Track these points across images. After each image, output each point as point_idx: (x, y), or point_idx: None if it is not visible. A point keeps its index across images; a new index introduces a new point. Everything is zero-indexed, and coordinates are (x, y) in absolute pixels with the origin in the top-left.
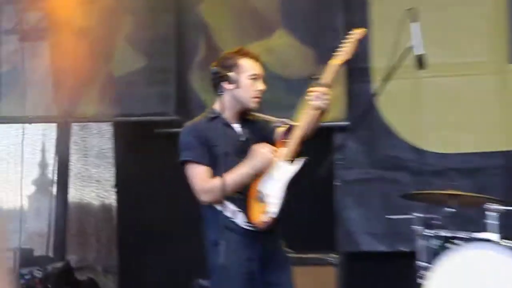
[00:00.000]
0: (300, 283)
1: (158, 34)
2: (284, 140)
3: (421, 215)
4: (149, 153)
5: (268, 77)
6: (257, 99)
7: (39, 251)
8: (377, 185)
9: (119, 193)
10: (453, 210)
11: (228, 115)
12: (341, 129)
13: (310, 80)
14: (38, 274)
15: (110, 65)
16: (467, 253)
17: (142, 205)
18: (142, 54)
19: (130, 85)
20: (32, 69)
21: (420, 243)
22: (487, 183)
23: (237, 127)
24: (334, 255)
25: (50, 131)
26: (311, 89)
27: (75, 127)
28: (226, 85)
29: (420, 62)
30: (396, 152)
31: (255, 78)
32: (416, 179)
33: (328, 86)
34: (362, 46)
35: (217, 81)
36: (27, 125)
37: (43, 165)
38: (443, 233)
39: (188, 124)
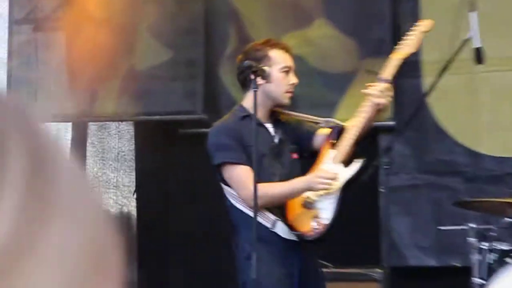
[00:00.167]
0: None
1: (184, 24)
2: (332, 141)
3: (476, 226)
4: (173, 156)
5: (306, 71)
6: (290, 94)
7: None
8: (426, 192)
9: (140, 200)
10: None
11: (259, 113)
12: (387, 129)
13: (368, 74)
14: None
15: (131, 58)
16: None
17: (165, 213)
18: (166, 46)
19: (153, 81)
20: (46, 62)
21: (475, 257)
22: None
23: (269, 127)
24: (378, 270)
25: (65, 131)
26: (371, 84)
27: (92, 127)
28: (258, 81)
29: (478, 56)
30: (449, 156)
31: (287, 70)
32: (471, 185)
33: (389, 82)
34: None
35: (247, 76)
36: None
37: None
38: (500, 246)
39: (219, 123)
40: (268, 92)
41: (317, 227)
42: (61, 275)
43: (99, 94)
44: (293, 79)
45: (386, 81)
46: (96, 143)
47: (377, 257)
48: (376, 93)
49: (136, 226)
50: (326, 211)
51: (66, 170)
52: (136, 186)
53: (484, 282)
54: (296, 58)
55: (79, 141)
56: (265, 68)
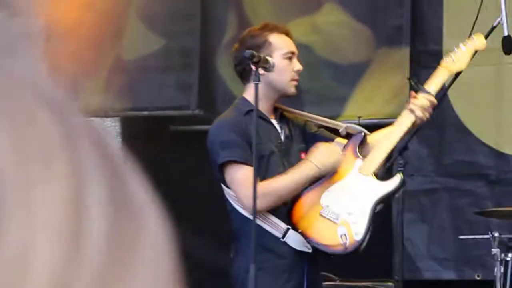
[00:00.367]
0: None
1: (178, 9)
2: (356, 151)
3: (500, 235)
4: (164, 155)
5: (313, 62)
6: (295, 82)
7: None
8: (446, 197)
9: None
10: None
11: (263, 107)
12: None
13: (411, 85)
14: None
15: (118, 46)
16: None
17: None
18: (158, 34)
19: (143, 72)
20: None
21: (499, 269)
22: None
23: (275, 123)
24: (390, 284)
25: None
26: (416, 95)
27: None
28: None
29: (508, 45)
30: (471, 157)
31: (290, 56)
32: (495, 189)
33: (433, 96)
34: (432, 24)
35: (247, 67)
36: None
37: None
38: None
39: (221, 118)
40: (271, 82)
41: (350, 243)
42: None
43: (82, 87)
44: (297, 65)
45: (430, 95)
46: None
47: (389, 269)
48: (419, 108)
49: None
50: (357, 225)
51: (144, 204)
52: None
53: None
54: (302, 47)
55: None
56: (269, 58)
